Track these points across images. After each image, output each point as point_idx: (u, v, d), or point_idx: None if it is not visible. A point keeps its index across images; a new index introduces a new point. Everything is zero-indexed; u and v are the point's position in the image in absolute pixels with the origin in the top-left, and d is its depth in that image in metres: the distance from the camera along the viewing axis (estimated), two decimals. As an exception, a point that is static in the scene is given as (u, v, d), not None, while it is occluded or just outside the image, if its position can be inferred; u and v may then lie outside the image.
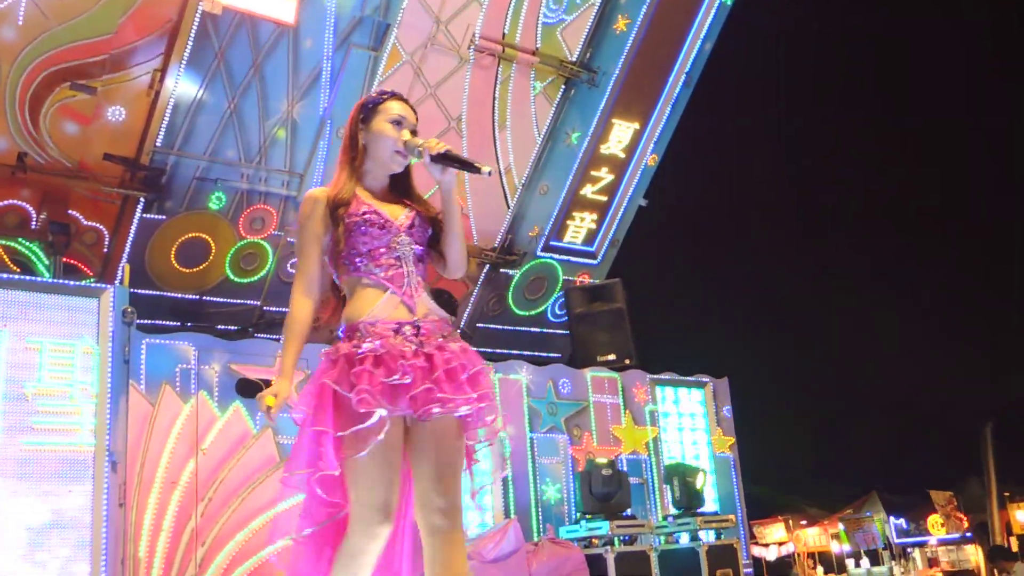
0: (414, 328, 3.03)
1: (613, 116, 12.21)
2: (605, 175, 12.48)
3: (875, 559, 23.85)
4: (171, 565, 7.28)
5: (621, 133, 12.37)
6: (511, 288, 12.29)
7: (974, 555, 24.56)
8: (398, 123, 3.20)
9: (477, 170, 3.07)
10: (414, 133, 3.23)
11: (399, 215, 3.15)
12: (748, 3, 12.99)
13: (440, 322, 3.10)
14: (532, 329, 12.58)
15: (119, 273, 8.84)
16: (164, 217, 9.28)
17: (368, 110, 3.23)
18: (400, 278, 3.08)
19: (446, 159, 3.07)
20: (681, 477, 9.58)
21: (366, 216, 3.08)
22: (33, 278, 7.69)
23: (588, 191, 12.47)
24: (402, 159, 3.20)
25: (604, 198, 12.63)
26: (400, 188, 3.26)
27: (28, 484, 6.71)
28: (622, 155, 12.50)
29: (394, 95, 3.28)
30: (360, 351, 2.94)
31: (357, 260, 3.08)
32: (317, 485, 2.91)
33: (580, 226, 12.65)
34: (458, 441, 3.04)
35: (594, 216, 12.67)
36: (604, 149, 12.32)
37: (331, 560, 2.96)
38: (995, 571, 14.07)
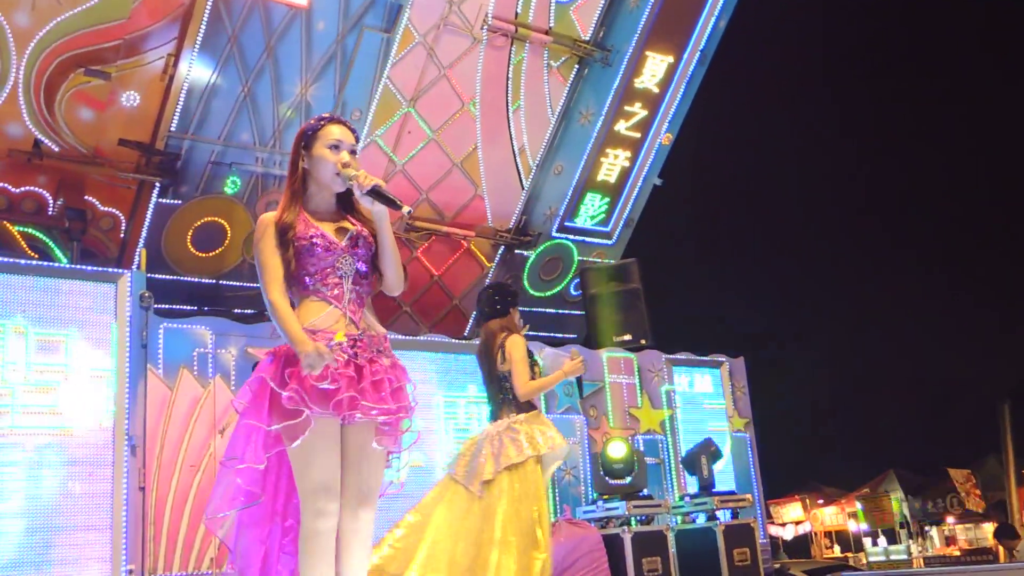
0: (351, 340, 3.36)
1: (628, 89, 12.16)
2: (620, 152, 12.44)
3: (892, 538, 23.84)
4: (191, 548, 7.33)
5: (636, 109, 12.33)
6: (526, 269, 12.28)
7: (991, 533, 24.52)
8: (336, 147, 3.49)
9: (398, 207, 3.42)
10: (353, 153, 3.53)
11: (343, 237, 3.46)
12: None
13: (377, 338, 3.46)
14: (548, 310, 12.57)
15: (136, 258, 8.90)
16: (180, 202, 9.29)
17: (308, 137, 3.52)
18: (343, 295, 3.41)
19: (373, 194, 3.40)
20: (703, 456, 9.56)
21: (312, 239, 3.40)
22: (51, 264, 7.72)
23: (604, 168, 12.43)
24: (339, 182, 3.49)
25: (626, 168, 12.59)
26: (345, 204, 3.57)
27: (48, 468, 6.77)
28: (636, 134, 12.45)
29: (332, 120, 3.58)
30: (296, 355, 3.26)
31: (306, 279, 3.41)
32: (238, 475, 3.30)
33: (595, 207, 12.63)
34: (374, 441, 3.43)
35: (607, 200, 12.65)
36: (618, 127, 12.28)
37: (274, 535, 3.40)
38: (1001, 548, 14.18)
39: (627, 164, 12.56)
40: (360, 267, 3.48)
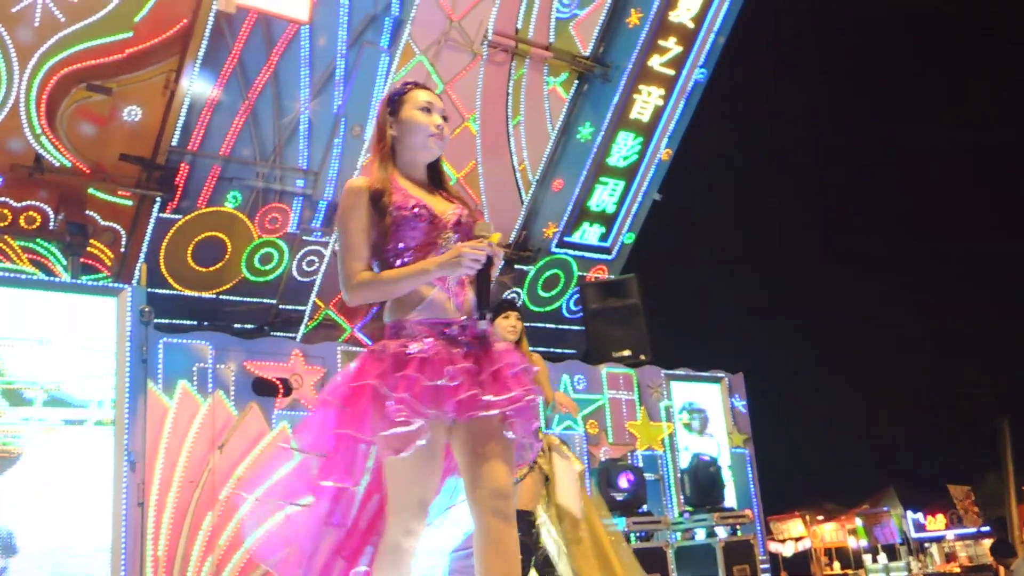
0: (460, 328, 2.99)
1: (627, 108, 12.20)
2: (620, 168, 12.48)
3: (892, 554, 23.78)
4: (188, 564, 7.31)
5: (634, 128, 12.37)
6: (526, 284, 12.29)
7: (989, 547, 24.44)
8: (427, 109, 3.16)
9: (483, 313, 3.00)
10: (445, 119, 3.22)
11: (446, 210, 3.09)
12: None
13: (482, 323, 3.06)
14: (547, 325, 12.56)
15: (136, 273, 8.90)
16: (180, 217, 9.30)
17: (395, 102, 3.18)
18: (447, 277, 3.00)
19: (481, 278, 2.97)
20: (694, 473, 9.56)
21: (416, 210, 3.01)
22: (51, 278, 7.73)
23: (602, 187, 12.46)
24: (436, 144, 3.16)
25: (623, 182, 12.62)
26: (436, 180, 3.22)
27: (46, 483, 6.75)
28: (636, 157, 12.49)
29: (417, 85, 3.25)
30: (408, 352, 2.89)
31: (406, 255, 3.00)
32: (327, 496, 2.94)
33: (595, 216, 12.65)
34: (502, 434, 2.98)
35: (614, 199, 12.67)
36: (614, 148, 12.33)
37: (333, 545, 2.98)
38: (998, 565, 14.18)
39: (628, 176, 12.60)
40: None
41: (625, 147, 12.39)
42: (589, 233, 12.65)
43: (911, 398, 26.54)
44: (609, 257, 13.02)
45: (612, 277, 12.62)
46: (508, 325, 5.91)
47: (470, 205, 3.18)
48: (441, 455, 2.93)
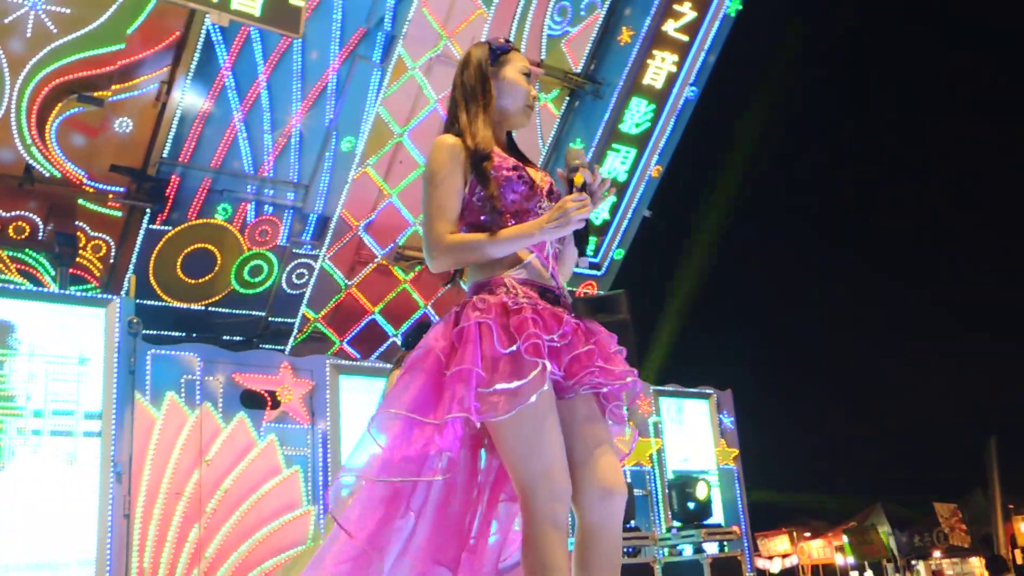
0: (555, 296, 2.73)
1: (618, 125, 12.26)
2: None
3: (879, 571, 23.77)
4: (174, 575, 7.29)
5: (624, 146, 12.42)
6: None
7: (979, 567, 24.47)
8: (527, 75, 2.95)
9: (582, 249, 2.79)
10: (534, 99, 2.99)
11: (539, 177, 2.86)
12: (752, 14, 13.01)
13: (570, 298, 2.81)
14: (536, 340, 12.56)
15: (125, 284, 8.89)
16: (170, 228, 9.30)
17: (496, 56, 2.96)
18: (544, 245, 2.76)
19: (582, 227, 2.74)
20: (682, 489, 9.57)
21: (518, 171, 2.78)
22: (40, 289, 7.72)
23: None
24: (528, 116, 2.94)
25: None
26: (514, 149, 2.98)
27: (33, 494, 6.73)
28: (625, 175, 12.54)
29: (516, 48, 3.02)
30: (511, 304, 2.59)
31: (509, 220, 2.72)
32: (437, 432, 2.49)
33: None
34: (605, 420, 2.75)
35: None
36: (607, 162, 12.36)
37: (397, 529, 2.58)
38: None
39: (618, 194, 12.64)
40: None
41: (616, 163, 12.43)
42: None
43: (899, 415, 26.61)
44: (599, 273, 13.04)
45: (601, 293, 12.64)
46: None
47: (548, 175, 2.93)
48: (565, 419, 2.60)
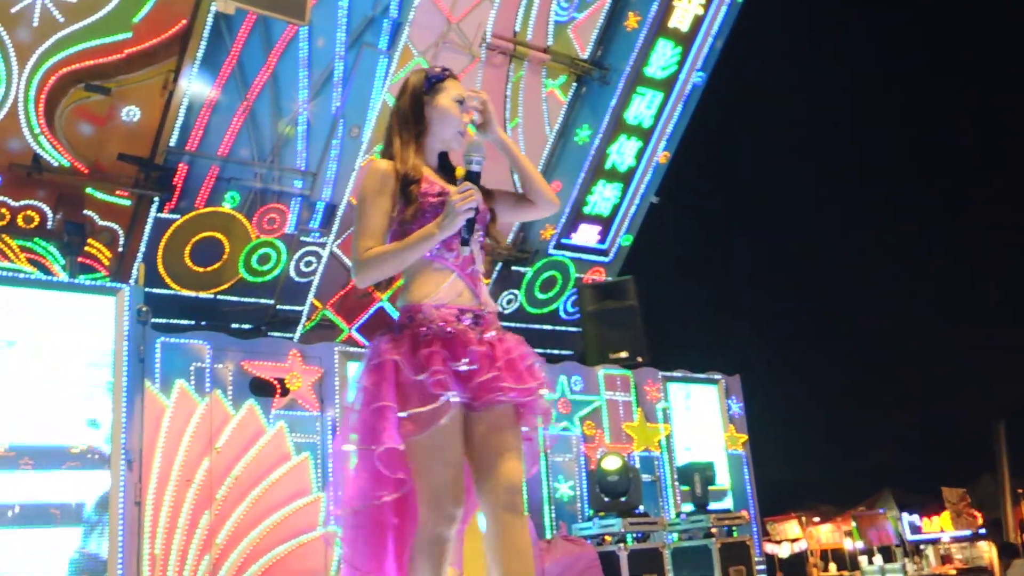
0: (475, 316, 2.95)
1: (624, 111, 12.23)
2: (607, 191, 12.51)
3: (888, 556, 23.80)
4: (185, 562, 7.33)
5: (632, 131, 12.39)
6: (523, 285, 12.31)
7: (987, 552, 24.47)
8: (460, 103, 3.13)
9: (464, 240, 2.97)
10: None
11: None
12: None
13: (494, 314, 3.05)
14: (544, 326, 12.59)
15: (134, 272, 8.91)
16: (178, 217, 9.32)
17: (432, 84, 3.12)
18: (467, 264, 3.01)
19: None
20: (699, 474, 9.58)
21: (442, 199, 2.97)
22: (49, 278, 7.74)
23: (600, 185, 12.48)
24: (461, 141, 3.13)
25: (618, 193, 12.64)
26: (444, 166, 3.19)
27: (44, 482, 6.77)
28: (633, 161, 12.51)
29: (453, 74, 3.20)
30: (425, 331, 2.85)
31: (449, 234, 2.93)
32: (379, 459, 2.79)
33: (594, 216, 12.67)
34: (515, 428, 2.96)
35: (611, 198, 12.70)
36: (614, 149, 12.34)
37: (393, 550, 2.88)
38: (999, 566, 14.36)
39: (626, 177, 12.62)
40: (481, 237, 3.09)
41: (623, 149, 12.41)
42: (589, 233, 12.64)
43: (907, 400, 26.60)
44: (606, 259, 13.04)
45: (609, 279, 12.65)
46: None
47: (484, 189, 3.12)
48: (462, 441, 2.87)
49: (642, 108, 12.27)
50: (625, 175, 12.58)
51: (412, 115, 3.09)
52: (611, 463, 9.07)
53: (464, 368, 2.81)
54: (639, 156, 12.54)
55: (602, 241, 12.87)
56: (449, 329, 2.86)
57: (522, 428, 2.98)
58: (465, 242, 2.93)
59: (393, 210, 2.96)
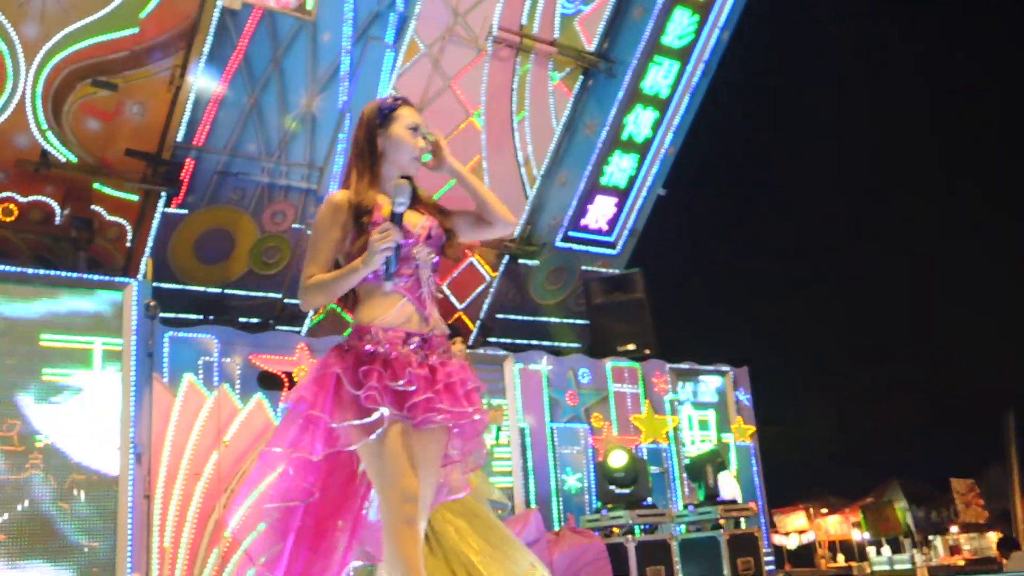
0: (422, 339, 3.13)
1: (632, 103, 12.23)
2: (624, 163, 12.49)
3: (896, 547, 23.79)
4: (195, 555, 7.36)
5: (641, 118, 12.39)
6: (531, 279, 12.32)
7: (996, 543, 24.43)
8: (414, 129, 3.25)
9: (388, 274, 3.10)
10: (426, 138, 3.30)
11: (417, 224, 3.20)
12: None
13: (442, 337, 3.21)
14: (552, 319, 12.61)
15: (142, 267, 8.94)
16: (186, 212, 9.35)
17: (384, 115, 3.25)
18: (416, 288, 3.16)
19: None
20: (710, 464, 9.59)
21: None
22: (57, 273, 7.77)
23: (607, 178, 12.48)
24: (418, 165, 3.26)
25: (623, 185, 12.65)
26: (412, 193, 3.28)
27: (53, 476, 6.81)
28: (650, 132, 12.48)
29: (406, 101, 3.32)
30: (370, 350, 3.04)
31: (379, 268, 3.09)
32: (291, 465, 3.05)
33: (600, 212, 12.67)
34: (440, 448, 3.17)
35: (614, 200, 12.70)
36: (623, 135, 12.34)
37: (289, 548, 3.13)
38: (1003, 559, 14.32)
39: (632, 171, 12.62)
40: (435, 259, 3.22)
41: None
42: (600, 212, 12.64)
43: (915, 391, 26.55)
44: (614, 252, 13.04)
45: (617, 271, 12.65)
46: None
47: (437, 214, 3.30)
48: (409, 444, 3.03)
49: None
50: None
51: (367, 147, 3.23)
52: (617, 459, 9.06)
53: (401, 388, 2.99)
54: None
55: (610, 232, 12.86)
56: (393, 354, 3.03)
57: (450, 450, 3.20)
58: (388, 277, 3.06)
59: (345, 240, 3.13)
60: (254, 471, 3.22)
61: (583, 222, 12.60)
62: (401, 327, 3.11)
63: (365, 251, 3.03)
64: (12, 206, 8.54)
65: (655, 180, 12.89)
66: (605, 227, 12.80)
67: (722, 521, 9.07)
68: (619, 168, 12.50)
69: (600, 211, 12.64)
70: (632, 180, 12.69)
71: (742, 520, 9.40)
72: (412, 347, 3.09)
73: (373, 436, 2.96)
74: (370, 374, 2.98)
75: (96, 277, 7.73)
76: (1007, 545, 14.80)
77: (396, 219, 3.04)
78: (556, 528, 8.90)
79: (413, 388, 3.00)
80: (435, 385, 3.05)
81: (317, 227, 3.15)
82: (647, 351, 11.00)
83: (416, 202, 3.28)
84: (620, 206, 12.77)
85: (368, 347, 3.05)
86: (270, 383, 8.16)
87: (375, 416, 2.95)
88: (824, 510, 24.88)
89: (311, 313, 10.23)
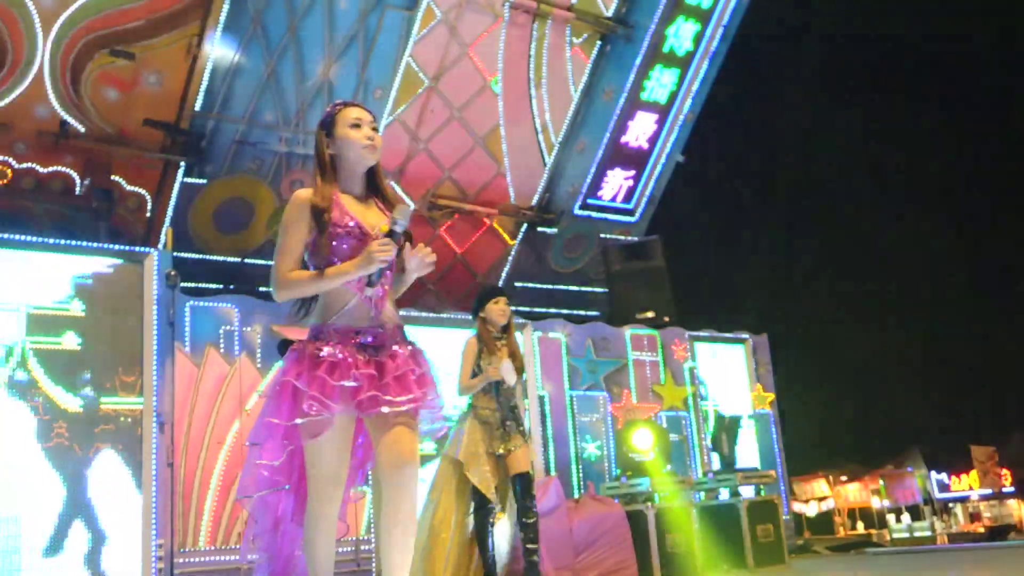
0: (372, 335, 3.41)
1: (650, 68, 12.12)
2: (644, 127, 12.41)
3: (916, 514, 23.80)
4: (219, 523, 7.43)
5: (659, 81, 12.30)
6: (549, 246, 12.30)
7: (1017, 510, 24.42)
8: (356, 125, 3.50)
9: (370, 280, 3.37)
10: (375, 130, 3.52)
11: (376, 224, 3.45)
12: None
13: (395, 328, 3.49)
14: (571, 287, 12.59)
15: (162, 237, 8.97)
16: (205, 181, 9.36)
17: (327, 124, 3.53)
18: (367, 286, 3.40)
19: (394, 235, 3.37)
20: (727, 431, 9.59)
21: (349, 228, 3.40)
22: (78, 243, 7.80)
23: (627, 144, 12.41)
24: (370, 154, 3.51)
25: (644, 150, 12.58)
26: (372, 185, 3.58)
27: (78, 445, 6.87)
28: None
29: (347, 103, 3.60)
30: (320, 354, 3.34)
31: (336, 263, 3.38)
32: (261, 467, 3.47)
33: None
34: (407, 418, 3.44)
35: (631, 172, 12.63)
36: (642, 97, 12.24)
37: (273, 522, 3.56)
38: None
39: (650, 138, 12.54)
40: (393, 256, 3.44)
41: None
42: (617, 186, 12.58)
43: (936, 358, 26.44)
44: (632, 219, 12.99)
45: (635, 239, 12.61)
46: (498, 310, 6.06)
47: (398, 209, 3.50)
48: (348, 437, 3.44)
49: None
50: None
51: (318, 156, 3.54)
52: (642, 440, 9.00)
53: (349, 385, 3.30)
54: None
55: (629, 199, 12.81)
56: (340, 354, 3.34)
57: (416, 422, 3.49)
58: (371, 284, 3.37)
59: (308, 235, 3.40)
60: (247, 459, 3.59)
61: (600, 193, 12.55)
62: (351, 325, 3.40)
63: (330, 250, 3.36)
64: (32, 177, 8.56)
65: (674, 146, 12.81)
66: (623, 198, 12.73)
67: (742, 488, 9.06)
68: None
69: (617, 182, 12.56)
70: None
71: (762, 487, 9.39)
72: (363, 342, 3.38)
73: (320, 437, 3.32)
74: (313, 382, 3.30)
75: (117, 247, 7.76)
76: (998, 533, 14.73)
77: (394, 237, 3.31)
78: (576, 496, 8.92)
79: (358, 384, 3.31)
80: (383, 379, 3.35)
81: (285, 224, 3.43)
82: (666, 319, 10.97)
83: (376, 192, 3.58)
84: (637, 177, 12.70)
85: (319, 350, 3.35)
86: (290, 352, 8.18)
87: (323, 416, 3.29)
88: (844, 477, 24.89)
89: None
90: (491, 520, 5.87)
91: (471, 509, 5.90)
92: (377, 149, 3.52)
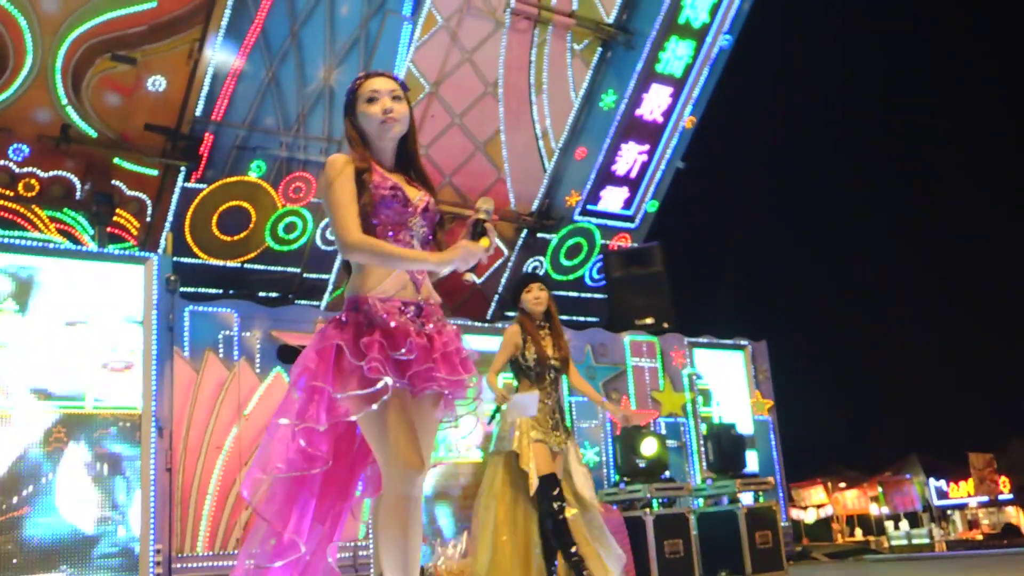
0: (417, 308, 3.18)
1: (650, 78, 12.14)
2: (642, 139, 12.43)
3: (914, 521, 23.79)
4: (217, 528, 7.43)
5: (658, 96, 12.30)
6: (549, 252, 12.31)
7: (1015, 517, 24.41)
8: (372, 99, 3.29)
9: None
10: (396, 98, 3.29)
11: (415, 196, 3.27)
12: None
13: (436, 306, 3.26)
14: (570, 293, 12.60)
15: (162, 242, 8.98)
16: (205, 186, 9.37)
17: (349, 103, 3.36)
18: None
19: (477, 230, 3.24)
20: (721, 438, 9.58)
21: (394, 191, 3.20)
22: (78, 247, 7.82)
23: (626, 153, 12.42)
24: (387, 128, 3.28)
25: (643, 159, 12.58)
26: (404, 166, 3.38)
27: (76, 449, 6.87)
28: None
29: (367, 76, 3.38)
30: (369, 322, 3.09)
31: (378, 231, 3.17)
32: (301, 436, 3.06)
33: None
34: (438, 413, 3.26)
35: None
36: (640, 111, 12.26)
37: (302, 508, 3.13)
38: None
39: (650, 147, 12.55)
40: (426, 233, 3.29)
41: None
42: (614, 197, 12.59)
43: (934, 365, 26.44)
44: (632, 225, 13.00)
45: (635, 245, 12.62)
46: (531, 298, 5.92)
47: (434, 190, 3.37)
48: (410, 412, 3.11)
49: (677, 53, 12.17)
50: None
51: (349, 136, 3.33)
52: (648, 447, 8.97)
53: (403, 357, 3.05)
54: (663, 122, 12.44)
55: (628, 205, 12.82)
56: (392, 323, 3.08)
57: (441, 416, 3.28)
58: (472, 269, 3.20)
59: (356, 194, 3.17)
60: (263, 442, 3.23)
61: (600, 199, 12.55)
62: (396, 296, 3.15)
63: (372, 213, 3.14)
64: (34, 181, 8.57)
65: (674, 153, 12.83)
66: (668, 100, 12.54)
67: (740, 495, 9.07)
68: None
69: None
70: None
71: (760, 494, 9.39)
72: (408, 316, 3.14)
73: (375, 406, 3.00)
74: (371, 345, 3.02)
75: (117, 252, 7.77)
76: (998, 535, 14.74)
77: (477, 228, 3.20)
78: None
79: (413, 357, 3.06)
80: (433, 354, 3.11)
81: (330, 185, 3.17)
82: (665, 325, 10.97)
83: (413, 175, 3.37)
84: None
85: (366, 318, 3.09)
86: (289, 357, 8.18)
87: (379, 385, 3.00)
88: (842, 484, 24.89)
89: (330, 287, 10.26)
90: (562, 504, 5.50)
91: (533, 502, 5.50)
92: (398, 120, 3.28)
